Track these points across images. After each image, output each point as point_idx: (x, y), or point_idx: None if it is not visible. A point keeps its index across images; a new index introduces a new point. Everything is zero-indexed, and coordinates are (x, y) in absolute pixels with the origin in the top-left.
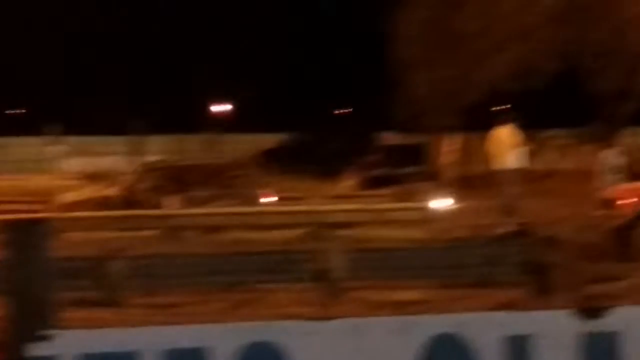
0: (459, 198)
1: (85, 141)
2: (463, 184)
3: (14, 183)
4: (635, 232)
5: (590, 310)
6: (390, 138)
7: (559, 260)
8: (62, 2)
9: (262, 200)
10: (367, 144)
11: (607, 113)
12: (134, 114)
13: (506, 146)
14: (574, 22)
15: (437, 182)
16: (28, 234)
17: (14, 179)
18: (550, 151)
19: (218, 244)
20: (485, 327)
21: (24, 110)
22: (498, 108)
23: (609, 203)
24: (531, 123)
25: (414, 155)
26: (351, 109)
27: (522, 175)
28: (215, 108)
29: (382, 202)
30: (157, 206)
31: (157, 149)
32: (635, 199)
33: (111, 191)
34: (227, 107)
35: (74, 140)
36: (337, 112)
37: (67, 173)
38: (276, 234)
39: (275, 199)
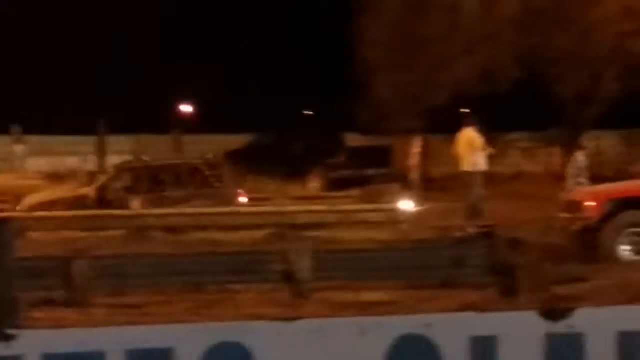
0: (424, 200)
1: (49, 141)
2: (428, 186)
3: None
4: (599, 235)
5: (555, 311)
6: (356, 140)
7: (524, 262)
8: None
9: (239, 200)
10: (333, 146)
11: (571, 117)
12: (98, 113)
13: (471, 149)
14: (537, 27)
15: (403, 183)
16: None
17: None
18: (515, 154)
19: (184, 244)
20: (451, 328)
21: None
22: (462, 111)
23: (573, 205)
24: (495, 126)
25: (379, 157)
26: (317, 111)
27: (488, 178)
28: (181, 108)
29: (348, 204)
30: (130, 206)
31: (122, 148)
32: (598, 202)
33: (85, 191)
34: (192, 107)
35: (37, 139)
36: (303, 113)
37: (30, 172)
38: (243, 235)
39: (246, 199)
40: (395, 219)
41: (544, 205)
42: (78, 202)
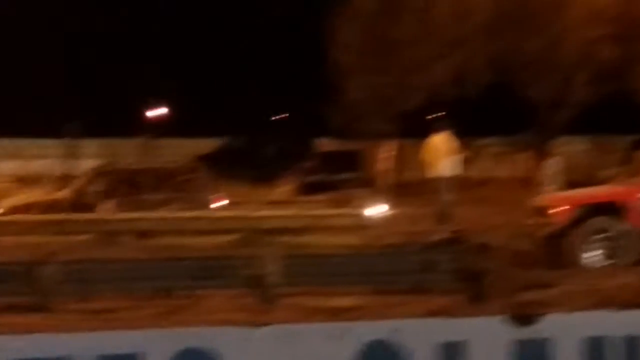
0: (394, 205)
1: (19, 144)
2: (399, 191)
3: None
4: (566, 240)
5: (523, 317)
6: (327, 144)
7: (492, 268)
8: None
9: (215, 204)
10: (304, 150)
11: (541, 122)
12: (68, 116)
13: (441, 153)
14: (509, 32)
15: (373, 188)
16: None
17: None
18: (485, 159)
19: (152, 249)
20: (419, 333)
21: None
22: (434, 115)
23: (541, 211)
24: (466, 131)
25: (350, 161)
26: (288, 115)
27: (457, 183)
28: (151, 112)
29: (318, 208)
30: (106, 210)
31: (92, 152)
32: (567, 207)
33: (61, 194)
34: (162, 110)
35: (6, 142)
36: (273, 117)
37: (0, 176)
38: (212, 239)
39: (226, 202)
40: (365, 224)
41: (514, 210)
42: (54, 206)
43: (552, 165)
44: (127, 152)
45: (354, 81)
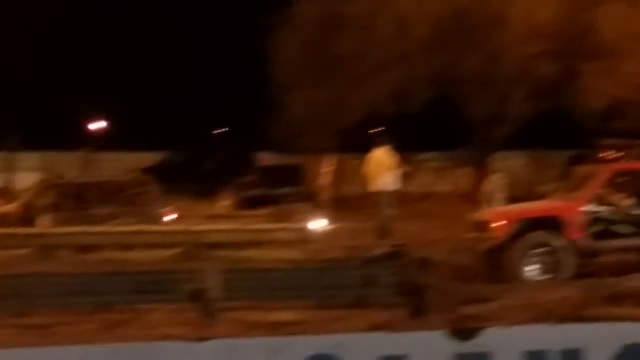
0: (335, 219)
1: None
2: (339, 205)
3: None
4: (506, 254)
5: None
6: (268, 158)
7: (433, 282)
8: None
9: (165, 218)
10: (244, 164)
11: (481, 137)
12: (6, 129)
13: (382, 168)
14: (448, 48)
15: (314, 202)
16: None
17: None
18: (425, 174)
19: (92, 263)
20: (360, 347)
21: None
22: (374, 130)
23: (482, 225)
24: (407, 146)
25: (291, 175)
26: (228, 129)
27: (398, 197)
28: (91, 125)
29: (259, 223)
30: (54, 224)
31: (31, 165)
32: (506, 222)
33: (8, 208)
34: (102, 124)
35: None
36: (214, 131)
37: None
38: (152, 254)
39: (175, 216)
40: (306, 238)
41: (454, 225)
42: (1, 220)
43: (494, 180)
44: (67, 165)
45: (295, 96)
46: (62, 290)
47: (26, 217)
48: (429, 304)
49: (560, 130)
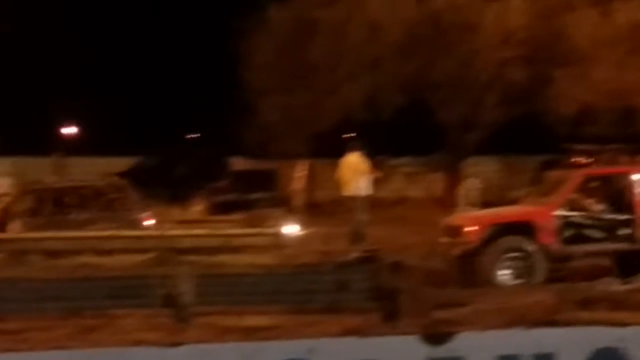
0: (308, 224)
1: None
2: (312, 210)
3: None
4: (479, 259)
5: (436, 335)
6: (240, 163)
7: (405, 287)
8: None
9: (144, 223)
10: (217, 169)
11: (453, 142)
12: None
13: (355, 173)
14: (420, 54)
15: (287, 207)
16: None
17: None
18: (398, 179)
19: (65, 268)
20: (333, 352)
21: None
22: (348, 135)
23: (454, 230)
24: (380, 151)
25: (264, 180)
26: (201, 134)
27: (371, 202)
28: (63, 130)
29: (232, 228)
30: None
31: (2, 170)
32: (479, 227)
33: None
34: (73, 129)
35: None
36: (187, 136)
37: None
38: (124, 259)
39: (153, 221)
40: (279, 243)
41: (426, 230)
42: None
43: (468, 185)
44: (38, 170)
45: (268, 101)
46: (34, 295)
47: (5, 222)
48: (402, 309)
49: (532, 136)
